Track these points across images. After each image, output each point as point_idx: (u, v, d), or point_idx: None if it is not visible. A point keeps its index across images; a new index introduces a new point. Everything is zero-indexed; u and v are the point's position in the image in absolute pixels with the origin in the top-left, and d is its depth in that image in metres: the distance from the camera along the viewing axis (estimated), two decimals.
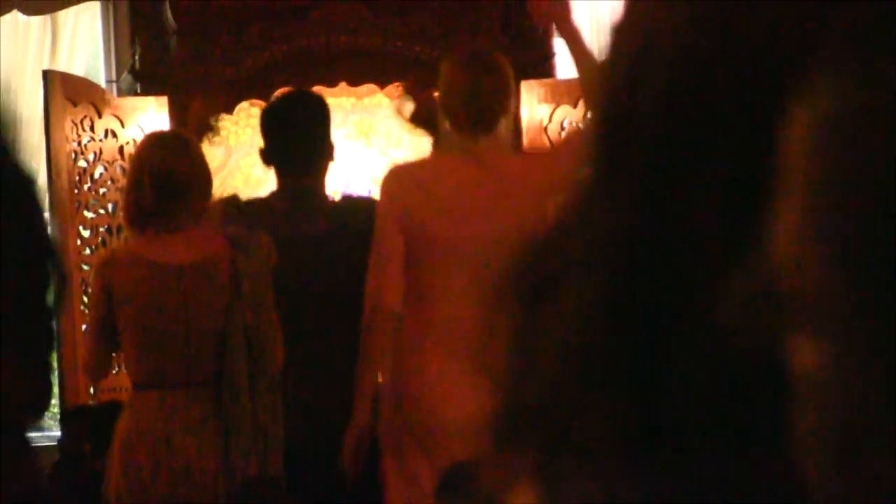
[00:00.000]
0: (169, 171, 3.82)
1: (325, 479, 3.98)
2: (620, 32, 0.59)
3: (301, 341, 4.09)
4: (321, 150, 4.30)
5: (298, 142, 4.26)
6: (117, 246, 5.04)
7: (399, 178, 3.93)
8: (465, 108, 3.85)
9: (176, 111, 6.10)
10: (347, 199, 4.60)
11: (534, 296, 0.60)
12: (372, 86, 6.36)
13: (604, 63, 0.61)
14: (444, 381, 3.66)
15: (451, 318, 3.65)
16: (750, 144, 0.53)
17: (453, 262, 3.76)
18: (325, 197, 4.38)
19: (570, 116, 5.77)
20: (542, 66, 6.04)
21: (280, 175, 4.30)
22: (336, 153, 4.38)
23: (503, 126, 3.90)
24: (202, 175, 3.91)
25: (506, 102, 3.90)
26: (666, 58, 0.55)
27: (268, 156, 4.33)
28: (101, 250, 5.83)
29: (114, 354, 4.02)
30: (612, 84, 0.59)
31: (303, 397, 4.11)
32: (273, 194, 4.35)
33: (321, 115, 4.34)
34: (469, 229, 3.77)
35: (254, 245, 3.87)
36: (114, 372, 5.59)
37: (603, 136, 0.59)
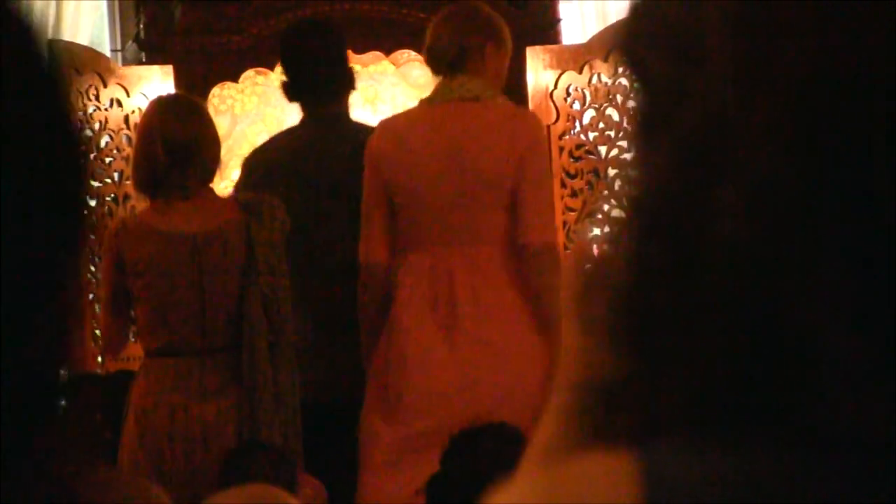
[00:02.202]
0: (182, 135, 3.81)
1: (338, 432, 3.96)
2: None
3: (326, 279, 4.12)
4: (343, 77, 4.35)
5: (322, 69, 4.30)
6: (127, 216, 5.03)
7: (381, 132, 3.99)
8: (434, 50, 3.96)
9: (181, 80, 6.09)
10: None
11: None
12: (377, 53, 6.34)
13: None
14: (415, 343, 3.68)
15: (421, 271, 3.73)
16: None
17: (423, 214, 3.81)
18: (352, 124, 4.42)
19: (576, 82, 5.75)
20: (547, 33, 6.03)
21: (306, 105, 4.34)
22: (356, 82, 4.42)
23: (480, 68, 3.93)
24: (213, 138, 3.92)
25: (477, 44, 3.95)
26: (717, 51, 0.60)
27: (292, 88, 4.36)
28: (107, 219, 5.83)
29: (132, 327, 4.01)
30: (659, 73, 0.63)
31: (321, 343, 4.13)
32: (301, 124, 4.38)
33: (339, 41, 4.40)
34: (434, 181, 3.82)
35: (267, 211, 3.86)
36: None
37: (649, 117, 0.64)
